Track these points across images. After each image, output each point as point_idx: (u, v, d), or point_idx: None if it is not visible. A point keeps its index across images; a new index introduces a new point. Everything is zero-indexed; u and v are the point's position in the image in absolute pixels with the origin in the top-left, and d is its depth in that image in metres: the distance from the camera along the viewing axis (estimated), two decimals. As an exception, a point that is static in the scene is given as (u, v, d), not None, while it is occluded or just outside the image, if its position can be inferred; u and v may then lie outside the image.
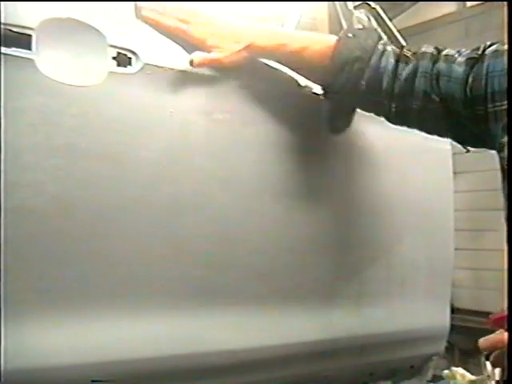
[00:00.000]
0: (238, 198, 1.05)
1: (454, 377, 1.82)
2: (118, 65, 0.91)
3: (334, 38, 1.06)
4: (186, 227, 0.98)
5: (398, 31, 1.65)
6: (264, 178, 1.09)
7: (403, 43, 1.57)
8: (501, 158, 0.95)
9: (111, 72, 0.89)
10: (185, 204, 0.98)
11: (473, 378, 1.81)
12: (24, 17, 0.83)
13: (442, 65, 1.01)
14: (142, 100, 0.93)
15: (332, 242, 1.21)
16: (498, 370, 0.81)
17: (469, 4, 4.36)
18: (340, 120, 1.19)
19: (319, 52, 1.05)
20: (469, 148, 1.67)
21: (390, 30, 1.62)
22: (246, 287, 1.07)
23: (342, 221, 1.22)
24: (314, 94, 1.13)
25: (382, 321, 1.30)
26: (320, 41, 1.07)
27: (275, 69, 1.10)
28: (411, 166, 1.38)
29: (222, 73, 1.02)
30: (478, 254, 3.72)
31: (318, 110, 1.16)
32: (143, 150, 0.93)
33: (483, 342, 0.79)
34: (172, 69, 0.96)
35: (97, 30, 0.89)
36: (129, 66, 0.92)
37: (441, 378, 1.82)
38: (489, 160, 1.37)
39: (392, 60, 1.03)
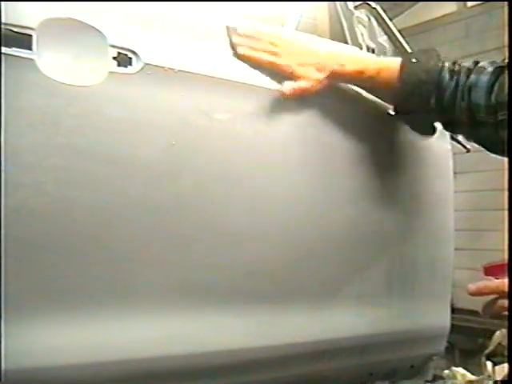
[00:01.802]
0: (239, 198, 1.05)
1: (454, 377, 1.82)
2: (119, 65, 0.91)
3: (396, 61, 1.14)
4: (186, 227, 0.98)
5: (399, 31, 1.65)
6: (277, 181, 1.09)
7: (406, 47, 1.58)
8: None
9: (111, 72, 0.90)
10: (185, 204, 0.98)
11: (473, 378, 1.81)
12: (24, 17, 0.83)
13: (472, 77, 1.09)
14: (142, 100, 0.93)
15: (331, 241, 1.21)
16: (498, 369, 0.81)
17: (469, 4, 4.36)
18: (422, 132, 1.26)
19: (390, 76, 1.13)
20: (469, 148, 1.67)
21: (391, 30, 1.62)
22: (246, 287, 1.07)
23: (341, 221, 1.22)
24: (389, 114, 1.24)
25: (382, 321, 1.30)
26: (389, 64, 1.15)
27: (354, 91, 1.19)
28: (411, 165, 1.38)
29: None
30: (478, 253, 3.72)
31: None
32: (143, 150, 0.93)
33: (471, 286, 0.83)
34: (172, 69, 0.96)
35: (97, 30, 0.89)
36: (129, 66, 0.92)
37: (441, 377, 1.82)
38: (489, 160, 1.37)
39: (447, 75, 1.11)
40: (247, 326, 1.07)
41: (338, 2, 1.48)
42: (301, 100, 1.11)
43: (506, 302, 0.80)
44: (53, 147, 0.85)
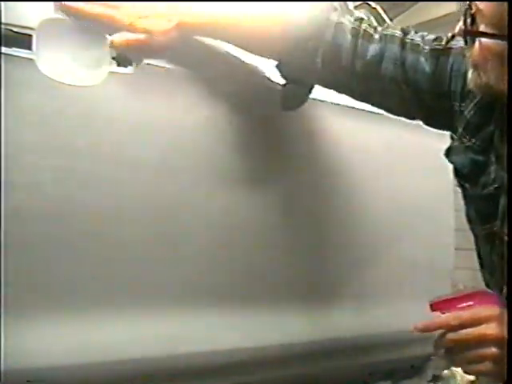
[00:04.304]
0: (239, 198, 1.05)
1: (454, 377, 1.82)
2: (119, 65, 0.91)
3: (282, 13, 0.98)
4: (186, 227, 0.98)
5: (399, 31, 1.65)
6: (253, 178, 1.08)
7: (363, 16, 1.51)
8: (449, 161, 0.98)
9: (111, 72, 0.89)
10: (184, 204, 0.98)
11: (473, 377, 1.81)
12: (24, 17, 0.83)
13: (409, 54, 0.97)
14: (141, 100, 0.93)
15: (332, 242, 1.21)
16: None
17: (469, 4, 4.35)
18: (294, 98, 1.09)
19: (268, 29, 0.98)
20: None
21: (390, 30, 1.62)
22: (246, 287, 1.07)
23: (341, 221, 1.22)
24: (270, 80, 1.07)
25: (381, 321, 1.30)
26: (267, 16, 0.99)
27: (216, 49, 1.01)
28: (411, 166, 1.38)
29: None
30: (478, 253, 3.70)
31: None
32: (143, 150, 0.93)
33: (417, 325, 0.82)
34: (172, 69, 0.96)
35: (97, 30, 0.89)
36: (129, 66, 0.91)
37: (441, 377, 1.82)
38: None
39: (349, 36, 0.97)
40: (247, 326, 1.07)
41: (337, 2, 1.48)
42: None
43: (456, 335, 0.79)
44: (53, 147, 0.85)
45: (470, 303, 0.82)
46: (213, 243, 1.02)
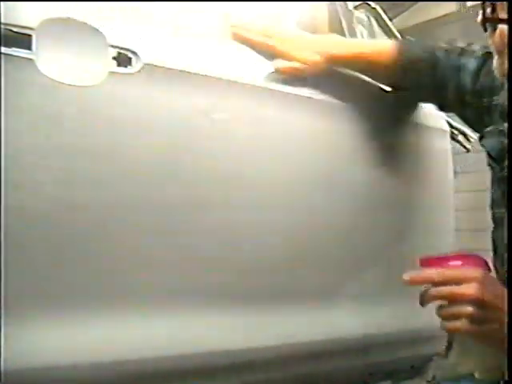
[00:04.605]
0: (239, 198, 1.05)
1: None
2: (119, 65, 0.90)
3: (392, 42, 1.20)
4: (186, 227, 0.98)
5: (399, 31, 1.65)
6: (275, 180, 1.10)
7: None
8: (481, 145, 1.06)
9: (111, 72, 0.89)
10: (186, 204, 0.98)
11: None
12: (24, 17, 0.83)
13: (463, 58, 1.14)
14: (142, 100, 0.93)
15: (332, 241, 1.20)
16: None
17: (469, 4, 4.35)
18: (405, 114, 1.31)
19: (386, 55, 1.17)
20: (468, 148, 1.67)
21: (390, 30, 1.62)
22: (246, 287, 1.07)
23: (342, 221, 1.22)
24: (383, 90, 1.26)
25: (382, 321, 1.30)
26: (385, 45, 1.21)
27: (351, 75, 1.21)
28: (411, 166, 1.38)
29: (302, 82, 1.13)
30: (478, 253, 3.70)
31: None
32: (143, 150, 0.93)
33: (405, 275, 0.83)
34: (172, 69, 0.96)
35: (97, 30, 0.89)
36: (129, 66, 0.91)
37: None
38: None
39: (442, 54, 1.16)
40: (247, 326, 1.07)
41: (337, 2, 1.47)
42: (298, 99, 1.12)
43: (436, 291, 0.82)
44: (53, 147, 0.85)
45: (458, 263, 0.84)
46: (213, 243, 1.02)
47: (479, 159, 1.51)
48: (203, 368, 1.02)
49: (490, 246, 1.03)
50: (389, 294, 1.32)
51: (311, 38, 1.17)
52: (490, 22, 0.86)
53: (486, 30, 0.88)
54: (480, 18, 0.88)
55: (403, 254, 1.37)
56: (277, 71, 1.10)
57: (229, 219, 1.04)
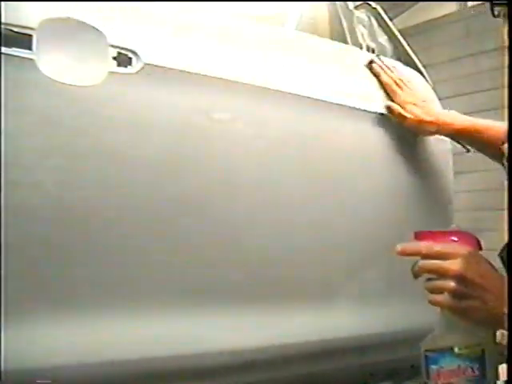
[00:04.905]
0: (239, 198, 1.05)
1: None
2: (119, 65, 0.90)
3: (501, 124, 1.22)
4: (187, 227, 0.98)
5: (399, 31, 1.65)
6: (278, 182, 1.09)
7: (406, 47, 1.59)
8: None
9: (111, 72, 0.89)
10: (186, 204, 0.98)
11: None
12: (24, 17, 0.83)
13: None
14: (142, 100, 0.93)
15: (332, 242, 1.21)
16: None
17: (469, 4, 4.35)
18: None
19: (497, 135, 1.22)
20: (469, 148, 1.67)
21: (391, 30, 1.61)
22: (246, 287, 1.07)
23: (342, 221, 1.22)
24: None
25: (381, 321, 1.30)
26: (495, 124, 1.27)
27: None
28: (412, 166, 1.38)
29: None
30: (478, 253, 3.70)
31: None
32: (143, 149, 0.93)
33: (398, 246, 0.86)
34: (172, 69, 0.96)
35: (97, 30, 0.89)
36: (129, 66, 0.91)
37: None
38: (489, 160, 1.37)
39: None
40: (247, 326, 1.07)
41: (337, 2, 1.47)
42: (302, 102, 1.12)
43: (423, 263, 0.84)
44: (53, 147, 0.85)
45: (449, 239, 0.85)
46: (213, 243, 1.02)
47: (479, 159, 1.51)
48: (203, 368, 1.02)
49: (489, 245, 1.03)
50: (389, 294, 1.32)
51: (431, 105, 1.34)
52: (496, 5, 0.88)
53: (493, 15, 0.90)
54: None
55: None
56: (388, 109, 1.30)
57: (229, 219, 1.04)
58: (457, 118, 1.34)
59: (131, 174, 0.92)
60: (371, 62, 1.35)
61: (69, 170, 0.86)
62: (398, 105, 1.31)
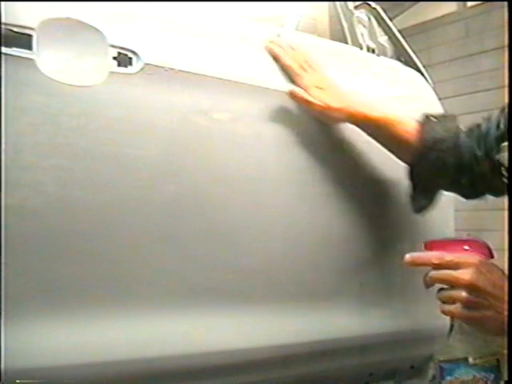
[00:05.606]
0: (238, 198, 1.05)
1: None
2: (119, 65, 0.91)
3: (414, 120, 1.14)
4: (187, 227, 0.98)
5: (399, 31, 1.65)
6: (267, 179, 1.09)
7: (406, 48, 1.58)
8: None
9: (112, 72, 0.89)
10: (185, 204, 0.98)
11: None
12: (24, 17, 0.83)
13: (483, 126, 1.09)
14: (142, 100, 0.93)
15: (332, 242, 1.21)
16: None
17: (469, 4, 4.36)
18: (424, 199, 1.22)
19: (407, 130, 1.14)
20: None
21: (391, 30, 1.62)
22: (246, 287, 1.07)
23: (342, 221, 1.22)
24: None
25: (382, 321, 1.30)
26: (407, 119, 1.16)
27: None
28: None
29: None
30: (478, 253, 3.70)
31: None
32: (143, 150, 0.93)
33: (407, 256, 0.87)
34: (172, 69, 0.96)
35: (97, 30, 0.89)
36: (129, 66, 0.91)
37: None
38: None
39: (465, 137, 1.10)
40: (247, 327, 1.07)
41: (337, 2, 1.48)
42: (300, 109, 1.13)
43: (434, 274, 0.84)
44: (53, 147, 0.85)
45: (460, 248, 0.85)
46: (213, 243, 1.02)
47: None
48: (203, 368, 1.02)
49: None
50: (389, 294, 1.32)
51: (339, 87, 1.16)
52: None
53: None
54: None
55: (403, 255, 1.37)
56: (291, 95, 1.11)
57: (229, 219, 1.04)
58: (373, 109, 1.15)
59: (131, 174, 0.92)
60: (270, 42, 1.16)
61: (69, 170, 0.86)
62: (303, 90, 1.13)
